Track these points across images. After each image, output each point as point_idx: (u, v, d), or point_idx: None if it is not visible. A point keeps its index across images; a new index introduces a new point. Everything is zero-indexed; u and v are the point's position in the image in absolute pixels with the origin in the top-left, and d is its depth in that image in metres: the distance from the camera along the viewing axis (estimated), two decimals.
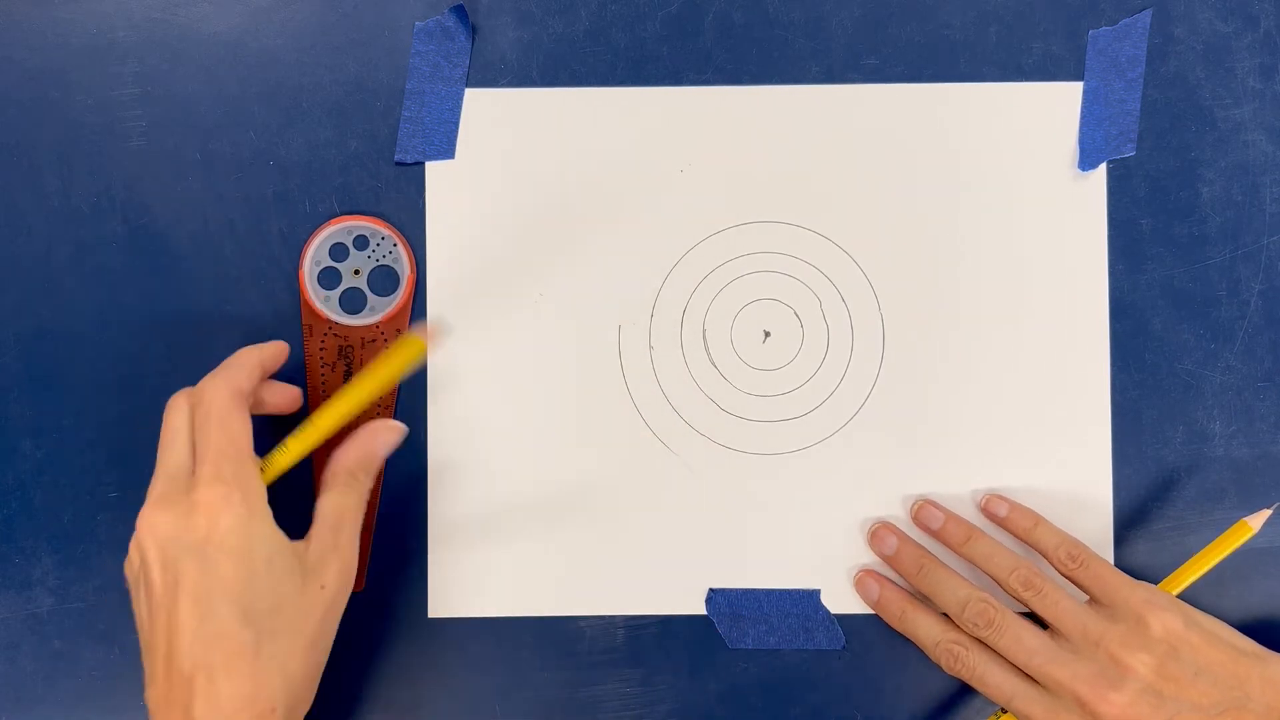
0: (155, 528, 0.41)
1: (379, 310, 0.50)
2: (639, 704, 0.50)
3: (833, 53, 0.51)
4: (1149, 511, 0.50)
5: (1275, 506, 0.47)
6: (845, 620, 0.50)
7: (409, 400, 0.50)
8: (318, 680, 0.43)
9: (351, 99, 0.51)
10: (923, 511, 0.49)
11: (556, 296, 0.51)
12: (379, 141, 0.51)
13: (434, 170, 0.51)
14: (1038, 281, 0.50)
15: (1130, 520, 0.50)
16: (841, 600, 0.50)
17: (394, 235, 0.50)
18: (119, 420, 0.51)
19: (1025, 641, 0.44)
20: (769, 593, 0.50)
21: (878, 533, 0.49)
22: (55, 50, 0.51)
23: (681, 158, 0.51)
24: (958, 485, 0.50)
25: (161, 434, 0.44)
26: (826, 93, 0.51)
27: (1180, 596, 0.46)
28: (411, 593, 0.50)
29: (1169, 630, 0.43)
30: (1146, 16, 0.50)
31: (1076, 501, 0.50)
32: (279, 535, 0.42)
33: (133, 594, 0.43)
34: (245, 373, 0.44)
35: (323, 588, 0.42)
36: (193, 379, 0.51)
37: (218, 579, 0.40)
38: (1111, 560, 0.50)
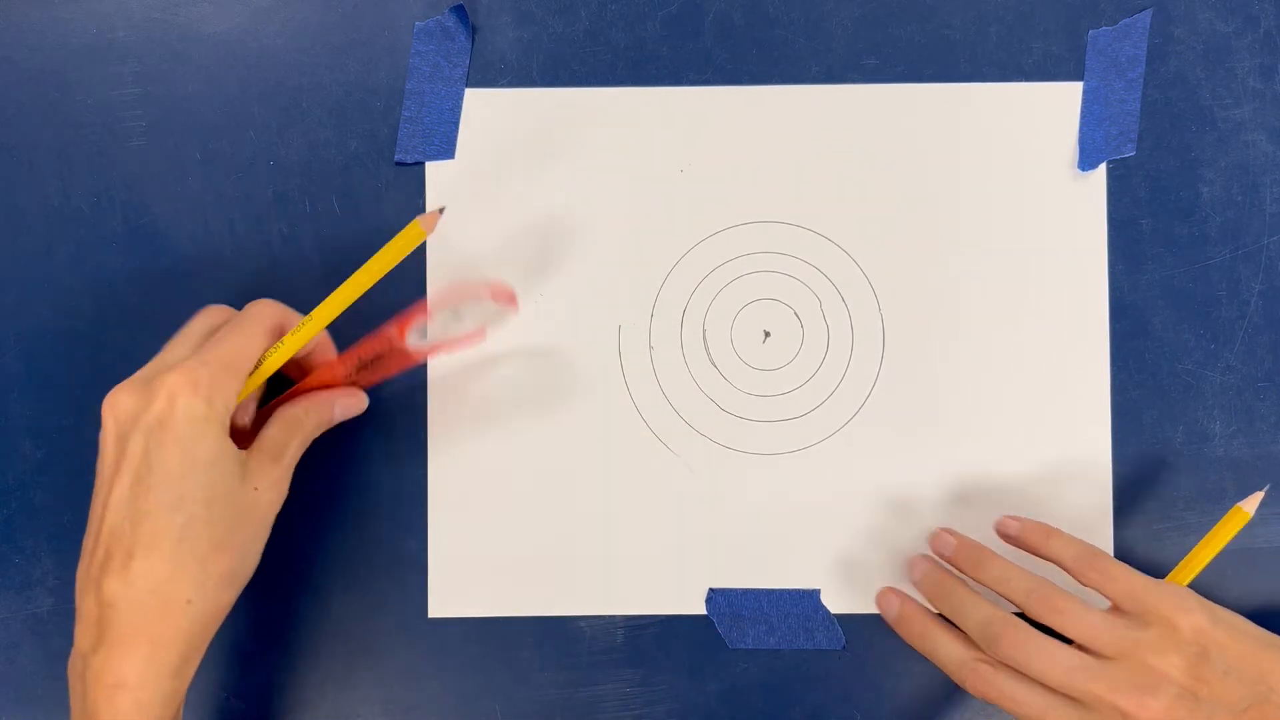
0: (116, 404, 0.41)
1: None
2: (639, 704, 0.50)
3: (833, 53, 0.51)
4: (1149, 512, 0.50)
5: (1267, 489, 0.47)
6: (845, 620, 0.50)
7: (409, 400, 0.50)
8: (238, 589, 0.42)
9: (351, 99, 0.51)
10: (937, 540, 0.48)
11: (556, 296, 0.51)
12: (379, 141, 0.51)
13: (434, 170, 0.51)
14: (1038, 282, 0.50)
15: (1130, 520, 0.50)
16: (841, 600, 0.50)
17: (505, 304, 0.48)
18: None
19: (1059, 659, 0.43)
20: (769, 593, 0.50)
21: (911, 562, 0.49)
22: (55, 50, 0.51)
23: (681, 158, 0.51)
24: (958, 485, 0.50)
25: (178, 331, 0.45)
26: (826, 93, 0.51)
27: None
28: (411, 593, 0.50)
29: (1198, 631, 0.43)
30: (1146, 16, 0.50)
31: (1076, 501, 0.50)
32: (227, 440, 0.42)
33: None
34: (294, 318, 0.45)
35: (256, 489, 0.42)
36: None
37: (159, 460, 0.40)
38: None
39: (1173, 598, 0.44)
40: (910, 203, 0.50)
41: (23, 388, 0.51)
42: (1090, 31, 0.51)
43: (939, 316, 0.50)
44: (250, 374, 0.44)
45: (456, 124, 0.51)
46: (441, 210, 0.44)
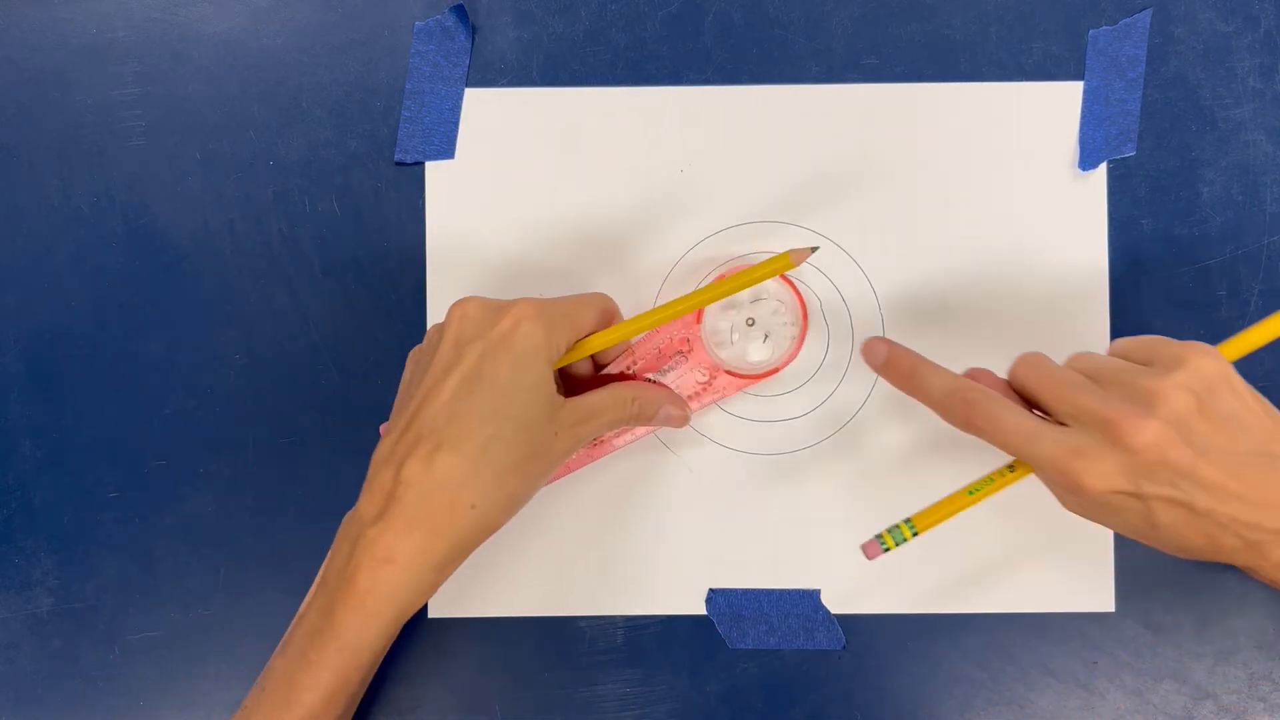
0: (466, 309, 0.43)
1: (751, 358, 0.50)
2: (639, 704, 0.50)
3: (833, 53, 0.51)
4: None
5: None
6: (845, 620, 0.50)
7: None
8: (513, 513, 0.44)
9: (351, 99, 0.51)
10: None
11: (556, 296, 0.50)
12: (379, 141, 0.51)
13: (434, 170, 0.51)
14: (1038, 281, 0.50)
15: None
16: (841, 600, 0.50)
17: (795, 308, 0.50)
18: (119, 420, 0.51)
19: (1055, 375, 0.40)
20: (769, 593, 0.50)
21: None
22: (55, 50, 0.51)
23: (681, 158, 0.51)
24: (957, 485, 0.50)
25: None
26: (826, 93, 0.51)
27: None
28: None
29: (1207, 371, 0.39)
30: (1146, 16, 0.50)
31: None
32: (551, 377, 0.43)
33: (411, 362, 0.45)
34: (619, 316, 0.47)
35: (555, 434, 0.43)
36: (193, 379, 0.51)
37: (490, 371, 0.42)
38: (1111, 564, 0.50)
39: (1191, 345, 0.40)
40: (910, 203, 0.50)
41: (23, 388, 0.51)
42: (1090, 31, 0.51)
43: (939, 316, 0.50)
44: (581, 339, 0.45)
45: (456, 124, 0.51)
46: (814, 249, 0.46)
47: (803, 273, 0.50)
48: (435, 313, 0.51)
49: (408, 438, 0.42)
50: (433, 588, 0.43)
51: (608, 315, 0.46)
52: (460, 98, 0.51)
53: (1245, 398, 0.40)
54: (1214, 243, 0.50)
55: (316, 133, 0.51)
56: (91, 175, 0.51)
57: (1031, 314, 0.50)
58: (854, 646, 0.50)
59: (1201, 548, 0.40)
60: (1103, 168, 0.50)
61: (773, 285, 0.49)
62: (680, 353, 0.49)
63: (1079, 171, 0.50)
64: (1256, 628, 0.50)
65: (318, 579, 0.44)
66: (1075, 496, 0.40)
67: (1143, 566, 0.50)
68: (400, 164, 0.51)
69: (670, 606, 0.50)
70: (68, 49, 0.51)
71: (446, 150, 0.51)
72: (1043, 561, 0.50)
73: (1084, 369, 0.41)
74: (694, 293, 0.46)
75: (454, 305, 0.44)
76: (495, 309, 0.43)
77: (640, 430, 0.49)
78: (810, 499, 0.50)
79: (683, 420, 0.48)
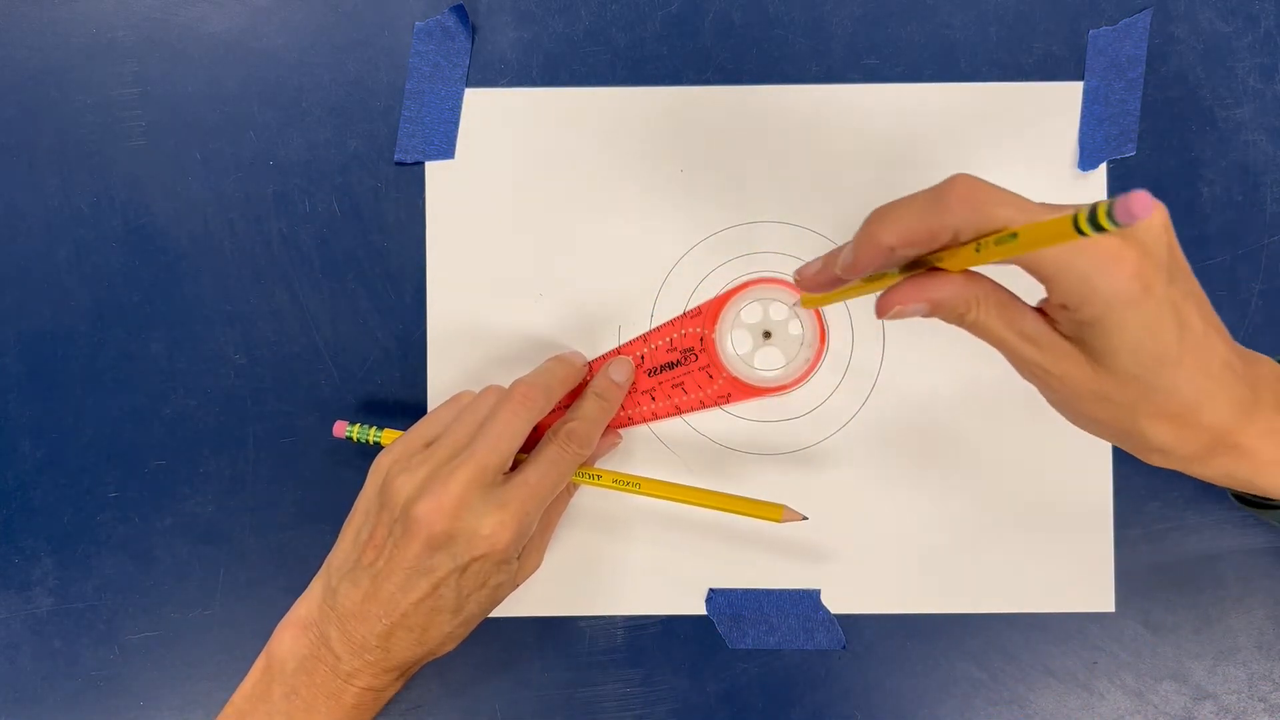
0: (429, 506, 0.42)
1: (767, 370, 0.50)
2: (639, 704, 0.50)
3: (833, 53, 0.51)
4: (1149, 511, 0.50)
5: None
6: (845, 620, 0.50)
7: (410, 400, 0.50)
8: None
9: (351, 99, 0.51)
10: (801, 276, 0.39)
11: (556, 296, 0.51)
12: (379, 141, 0.51)
13: (434, 170, 0.51)
14: (1038, 281, 0.50)
15: (1130, 520, 0.50)
16: (841, 600, 0.50)
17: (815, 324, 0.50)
18: (119, 420, 0.51)
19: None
20: (769, 593, 0.50)
21: (799, 278, 0.39)
22: (55, 50, 0.51)
23: (681, 158, 0.51)
24: (958, 485, 0.50)
25: (504, 423, 0.45)
26: (826, 93, 0.51)
27: None
28: None
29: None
30: (1146, 16, 0.50)
31: (1077, 501, 0.50)
32: (514, 562, 0.45)
33: (360, 513, 0.46)
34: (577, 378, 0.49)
35: (515, 585, 0.47)
36: (193, 379, 0.51)
37: (461, 604, 0.44)
38: (1111, 564, 0.50)
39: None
40: None
41: (23, 388, 0.51)
42: (1090, 31, 0.51)
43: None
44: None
45: (456, 124, 0.51)
46: (805, 518, 0.48)
47: None
48: (435, 313, 0.51)
49: (372, 611, 0.43)
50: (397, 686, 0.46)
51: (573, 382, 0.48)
52: (460, 98, 0.51)
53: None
54: (1214, 243, 0.50)
55: (316, 133, 0.51)
56: (91, 175, 0.51)
57: None
58: (854, 646, 0.50)
59: (1222, 382, 0.35)
60: (1103, 168, 0.50)
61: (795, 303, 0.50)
62: (691, 350, 0.49)
63: (1079, 171, 0.50)
64: (1256, 628, 0.50)
65: (265, 677, 0.45)
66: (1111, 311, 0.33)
67: (1143, 566, 0.50)
68: (400, 164, 0.51)
69: (670, 606, 0.50)
70: (68, 49, 0.51)
71: (446, 150, 0.51)
72: (1043, 561, 0.50)
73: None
74: (675, 486, 0.48)
75: (419, 514, 0.43)
76: (480, 525, 0.43)
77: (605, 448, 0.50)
78: (810, 499, 0.50)
79: (609, 446, 0.50)
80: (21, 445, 0.51)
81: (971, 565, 0.50)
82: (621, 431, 0.50)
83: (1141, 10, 0.51)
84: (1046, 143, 0.50)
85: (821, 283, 0.38)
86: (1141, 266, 0.32)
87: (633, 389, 0.50)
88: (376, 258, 0.51)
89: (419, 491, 0.42)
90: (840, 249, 0.36)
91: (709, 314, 0.50)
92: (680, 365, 0.49)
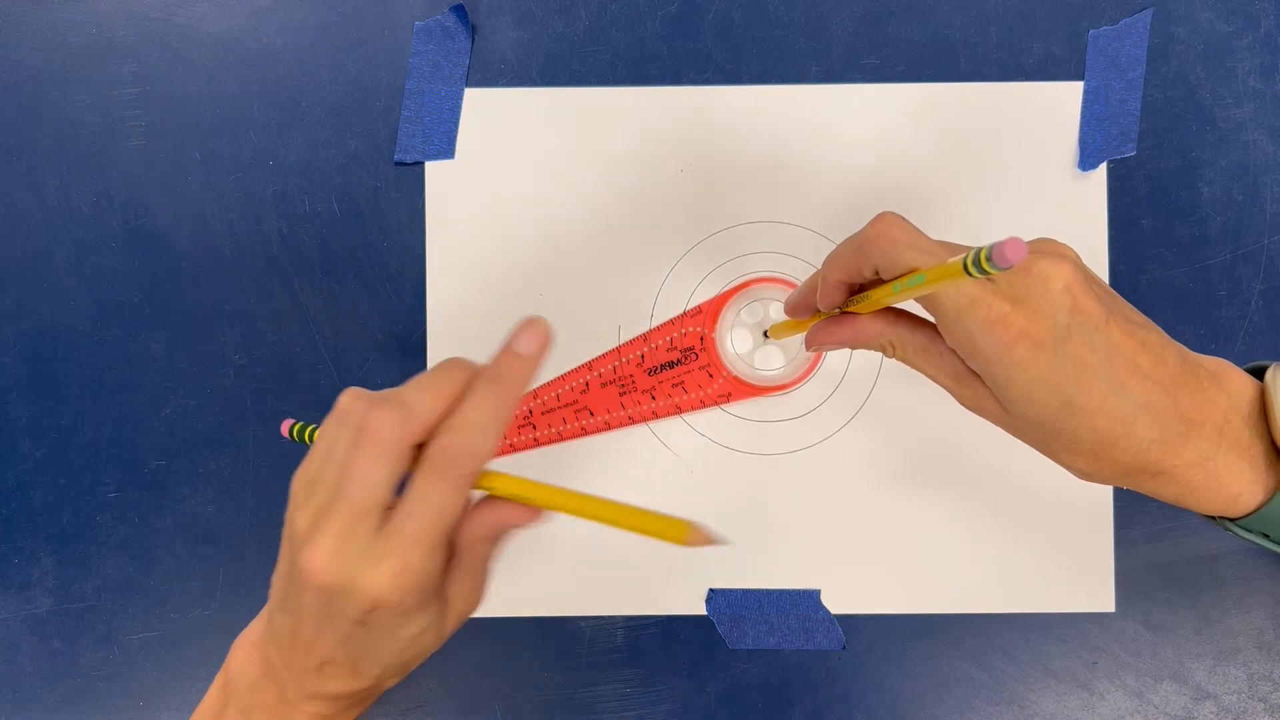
0: (321, 547, 0.36)
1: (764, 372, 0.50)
2: (639, 704, 0.50)
3: (833, 53, 0.51)
4: (1149, 511, 0.50)
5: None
6: (845, 620, 0.50)
7: None
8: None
9: (351, 99, 0.51)
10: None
11: (556, 296, 0.51)
12: (379, 141, 0.51)
13: (434, 170, 0.51)
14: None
15: (1130, 520, 0.50)
16: (841, 600, 0.50)
17: None
18: (119, 420, 0.51)
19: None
20: (769, 593, 0.50)
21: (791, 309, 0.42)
22: (55, 50, 0.51)
23: (681, 158, 0.51)
24: (958, 485, 0.50)
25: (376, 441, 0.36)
26: (826, 93, 0.51)
27: None
28: None
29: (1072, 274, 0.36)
30: (1147, 16, 0.50)
31: (1077, 502, 0.50)
32: (432, 609, 0.38)
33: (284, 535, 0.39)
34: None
35: (450, 631, 0.39)
36: (192, 379, 0.51)
37: (365, 639, 0.37)
38: (1112, 564, 0.50)
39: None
40: (910, 202, 0.50)
41: (23, 388, 0.51)
42: (1090, 31, 0.51)
43: None
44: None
45: (456, 123, 0.51)
46: (723, 543, 0.38)
47: (803, 272, 0.50)
48: (435, 313, 0.50)
49: (300, 646, 0.38)
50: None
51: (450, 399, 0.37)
52: (460, 97, 0.51)
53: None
54: (1214, 243, 0.50)
55: (316, 132, 0.51)
56: (91, 175, 0.51)
57: None
58: (854, 646, 0.50)
59: (1135, 425, 0.36)
60: (1103, 167, 0.50)
61: None
62: (692, 349, 0.49)
63: (1079, 171, 0.50)
64: (1256, 628, 0.50)
65: (222, 697, 0.41)
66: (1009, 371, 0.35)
67: (1143, 566, 0.50)
68: (400, 164, 0.51)
69: (670, 606, 0.50)
70: (67, 49, 0.51)
71: (446, 150, 0.51)
72: (1043, 561, 0.50)
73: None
74: (593, 501, 0.38)
75: (305, 563, 0.36)
76: (359, 576, 0.35)
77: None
78: (810, 499, 0.50)
79: (528, 525, 0.39)
80: (21, 445, 0.51)
81: (971, 565, 0.50)
82: (618, 433, 0.50)
83: (1142, 10, 0.51)
84: (1046, 143, 0.50)
85: (806, 310, 0.42)
86: (1030, 329, 0.34)
87: (632, 388, 0.50)
88: (376, 258, 0.51)
89: (307, 534, 0.36)
90: (812, 279, 0.40)
91: (709, 313, 0.50)
92: (680, 364, 0.49)
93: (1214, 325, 0.50)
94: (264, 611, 0.41)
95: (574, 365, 0.50)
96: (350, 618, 0.36)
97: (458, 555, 0.39)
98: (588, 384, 0.50)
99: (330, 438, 0.37)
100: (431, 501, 0.36)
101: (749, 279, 0.50)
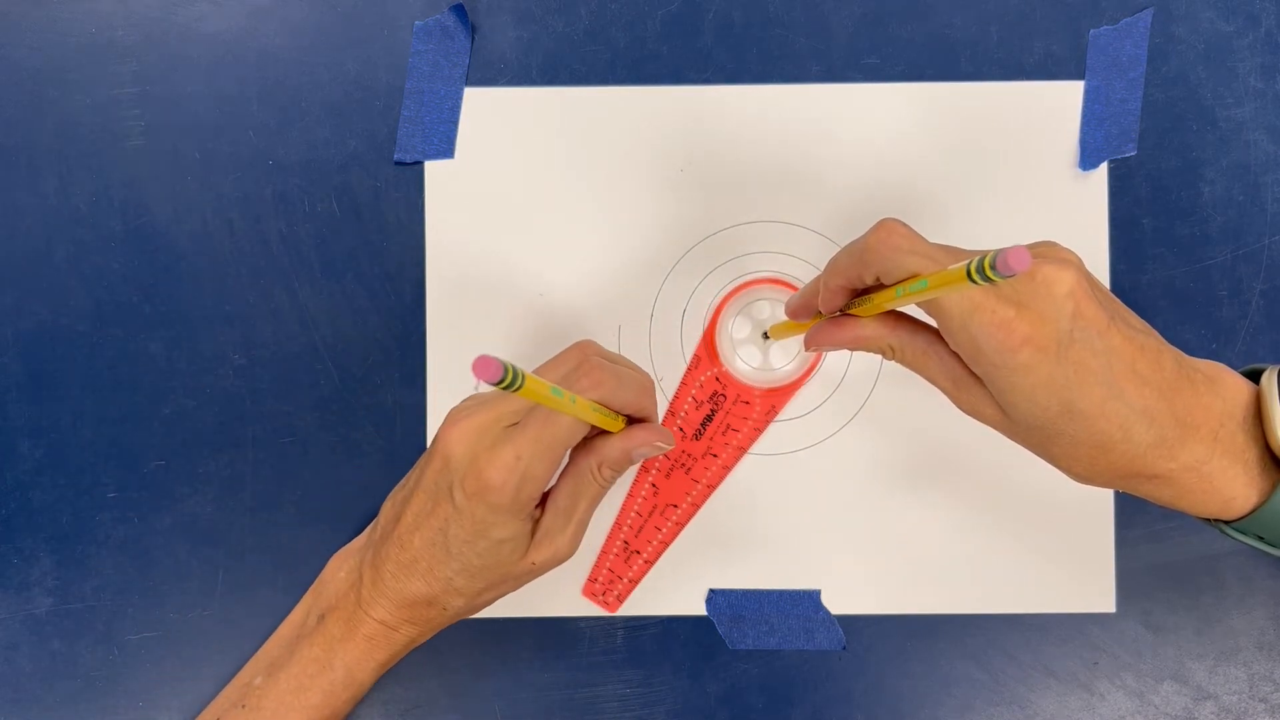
0: (451, 447, 0.41)
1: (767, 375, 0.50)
2: (639, 704, 0.50)
3: (833, 52, 0.51)
4: (1150, 512, 0.50)
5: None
6: (845, 620, 0.50)
7: (409, 400, 0.50)
8: (483, 607, 0.45)
9: (351, 99, 0.51)
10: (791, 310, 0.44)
11: (556, 296, 0.51)
12: (379, 141, 0.51)
13: (434, 170, 0.51)
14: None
15: (1131, 520, 0.50)
16: (841, 600, 0.50)
17: None
18: (119, 420, 0.51)
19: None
20: (769, 593, 0.50)
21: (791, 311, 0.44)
22: (55, 50, 0.51)
23: (681, 157, 0.51)
24: (959, 485, 0.50)
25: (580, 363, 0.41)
26: (826, 92, 0.51)
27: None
28: None
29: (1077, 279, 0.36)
30: (1147, 16, 0.50)
31: (1078, 501, 0.50)
32: (523, 524, 0.42)
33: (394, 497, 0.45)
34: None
35: (533, 564, 0.43)
36: (192, 379, 0.51)
37: (455, 536, 0.42)
38: (1112, 564, 0.50)
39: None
40: (910, 202, 0.50)
41: (22, 388, 0.51)
42: (1091, 31, 0.50)
43: None
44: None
45: (456, 123, 0.51)
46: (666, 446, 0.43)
47: (803, 272, 0.50)
48: (435, 313, 0.50)
49: (394, 534, 0.43)
50: (424, 639, 0.46)
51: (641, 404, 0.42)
52: (460, 97, 0.51)
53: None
54: (1214, 243, 0.50)
55: (316, 132, 0.51)
56: (90, 175, 0.51)
57: None
58: (854, 646, 0.50)
59: (1134, 430, 0.36)
60: (1103, 167, 0.50)
61: None
62: (715, 393, 0.50)
63: (1080, 171, 0.50)
64: (1257, 628, 0.50)
65: (309, 602, 0.47)
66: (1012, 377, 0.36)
67: (1143, 566, 0.50)
68: (400, 164, 0.51)
69: (670, 607, 0.50)
70: (67, 49, 0.51)
71: (446, 150, 0.51)
72: (1043, 561, 0.50)
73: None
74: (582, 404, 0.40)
75: (443, 435, 0.41)
76: (479, 455, 0.40)
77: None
78: (810, 499, 0.50)
79: (665, 443, 0.43)
80: (21, 445, 0.51)
81: (972, 565, 0.50)
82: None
83: (1142, 10, 0.50)
84: (1047, 143, 0.50)
85: (808, 313, 0.43)
86: (1033, 335, 0.35)
87: (692, 461, 0.50)
88: (376, 257, 0.51)
89: (454, 418, 0.42)
90: (814, 283, 0.42)
91: (706, 340, 0.50)
92: (717, 412, 0.49)
93: (1215, 325, 0.50)
94: (365, 530, 0.47)
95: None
96: (454, 501, 0.41)
97: (567, 473, 0.43)
98: (654, 485, 0.50)
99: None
100: (553, 416, 0.40)
101: (749, 279, 0.50)
